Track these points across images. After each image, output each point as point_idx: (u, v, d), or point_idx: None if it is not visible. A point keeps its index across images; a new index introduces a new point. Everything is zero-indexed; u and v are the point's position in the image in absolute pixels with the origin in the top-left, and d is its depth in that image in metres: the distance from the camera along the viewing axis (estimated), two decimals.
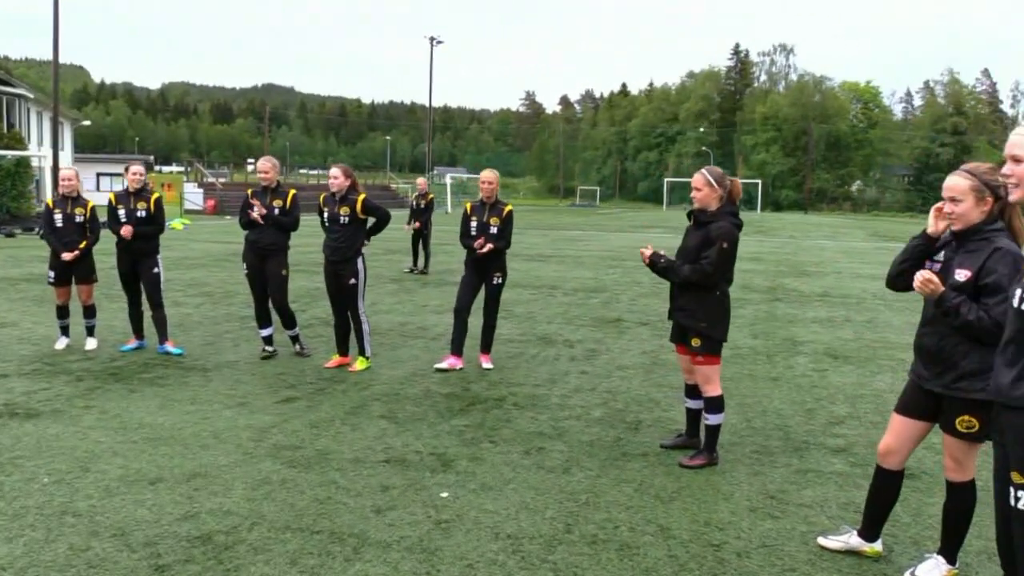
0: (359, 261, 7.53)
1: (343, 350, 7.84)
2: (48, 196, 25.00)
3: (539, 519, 4.36)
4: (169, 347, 8.21)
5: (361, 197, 7.53)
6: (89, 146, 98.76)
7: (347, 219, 7.44)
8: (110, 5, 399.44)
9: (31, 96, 35.88)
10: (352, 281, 7.50)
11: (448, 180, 54.90)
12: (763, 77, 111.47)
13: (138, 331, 8.44)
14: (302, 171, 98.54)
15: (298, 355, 8.19)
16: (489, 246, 7.49)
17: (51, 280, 8.23)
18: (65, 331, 8.51)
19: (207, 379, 7.23)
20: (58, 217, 8.08)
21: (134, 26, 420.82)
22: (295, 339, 8.25)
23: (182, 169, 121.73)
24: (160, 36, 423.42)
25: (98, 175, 55.25)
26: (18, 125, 33.87)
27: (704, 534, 4.23)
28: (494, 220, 7.64)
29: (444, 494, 4.67)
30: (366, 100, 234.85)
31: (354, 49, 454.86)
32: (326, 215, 7.53)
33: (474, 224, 7.73)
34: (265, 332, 8.14)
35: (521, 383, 7.28)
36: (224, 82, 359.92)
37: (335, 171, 7.51)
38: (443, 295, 12.81)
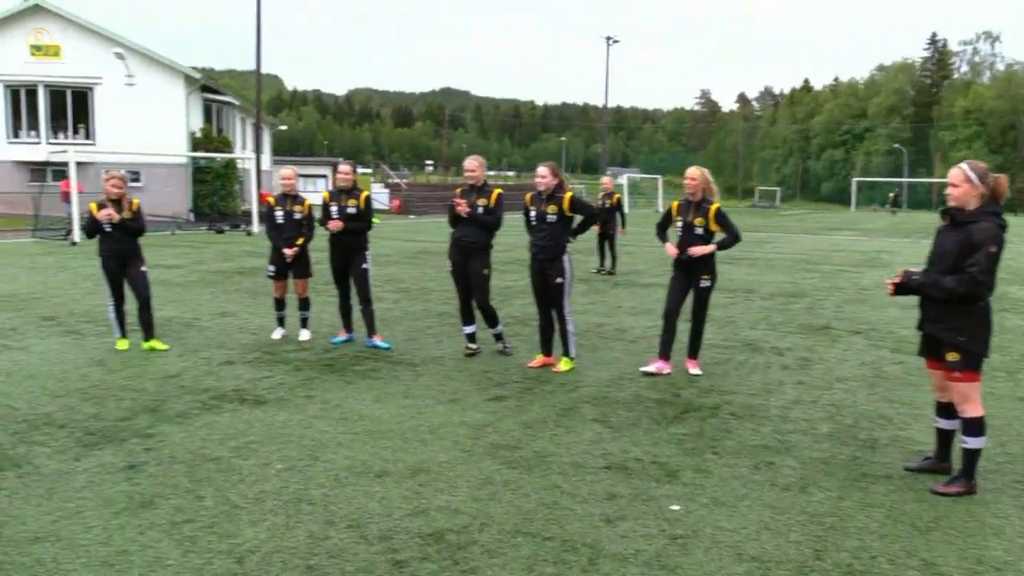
0: (566, 260, 7.41)
1: (547, 350, 7.75)
2: (254, 196, 26.77)
3: (783, 542, 4.03)
4: (377, 341, 8.43)
5: (568, 195, 7.41)
6: (284, 149, 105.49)
7: (555, 217, 7.34)
8: (300, 16, 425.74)
9: (236, 103, 38.65)
10: (559, 280, 7.39)
11: (624, 180, 54.30)
12: (964, 68, 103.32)
13: (347, 325, 8.73)
14: None
15: (501, 353, 8.18)
16: (707, 248, 7.20)
17: (270, 274, 8.65)
18: (281, 322, 8.94)
19: (416, 374, 7.34)
20: (279, 214, 8.49)
21: (322, 36, 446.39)
22: (498, 337, 8.26)
23: (368, 171, 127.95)
24: (346, 45, 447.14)
25: None
26: (226, 130, 36.56)
27: (979, 574, 3.76)
28: (699, 220, 7.31)
29: (675, 507, 4.43)
30: (539, 102, 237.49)
31: (527, 52, 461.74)
32: (533, 214, 7.46)
33: (679, 224, 7.43)
34: (468, 329, 8.19)
35: (734, 391, 6.91)
36: (404, 87, 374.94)
37: (543, 170, 7.42)
38: (634, 297, 12.54)
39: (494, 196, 7.89)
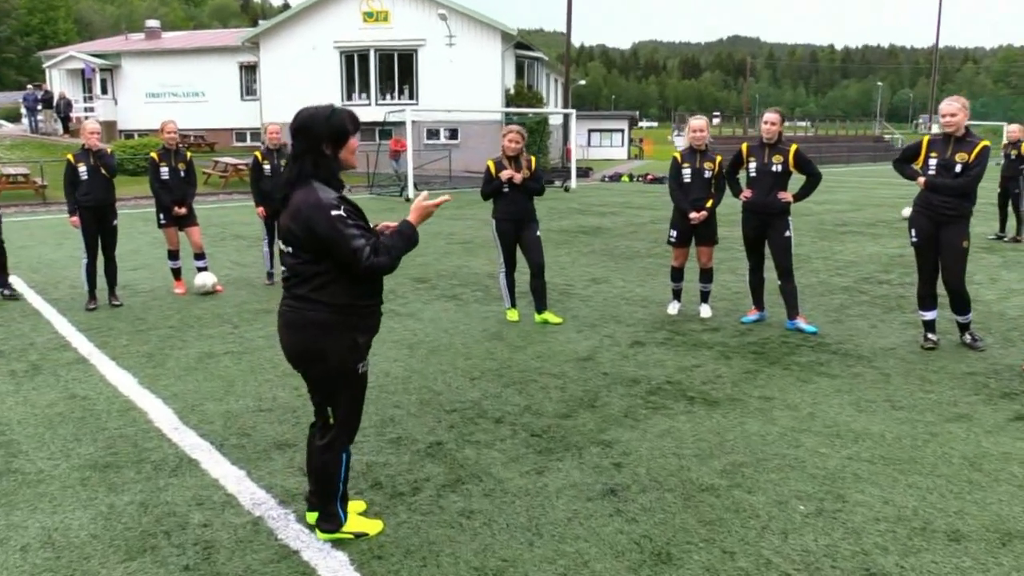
0: None
1: None
2: (573, 152, 26.22)
3: None
4: (801, 323, 7.03)
5: None
6: (573, 104, 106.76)
7: None
8: None
9: (546, 59, 38.54)
10: None
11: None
12: None
13: (759, 301, 7.43)
14: None
15: (968, 347, 6.46)
16: None
17: (672, 240, 7.52)
18: (677, 295, 7.82)
19: (878, 372, 5.84)
20: (686, 172, 7.29)
21: None
22: (965, 327, 6.53)
23: (654, 124, 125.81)
24: None
25: (589, 131, 58.39)
26: (535, 86, 36.58)
27: None
28: None
29: None
30: (839, 46, 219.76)
31: None
32: None
33: None
34: (928, 316, 6.54)
35: None
36: (690, 37, 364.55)
37: None
38: None
39: (977, 150, 6.11)
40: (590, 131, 59.00)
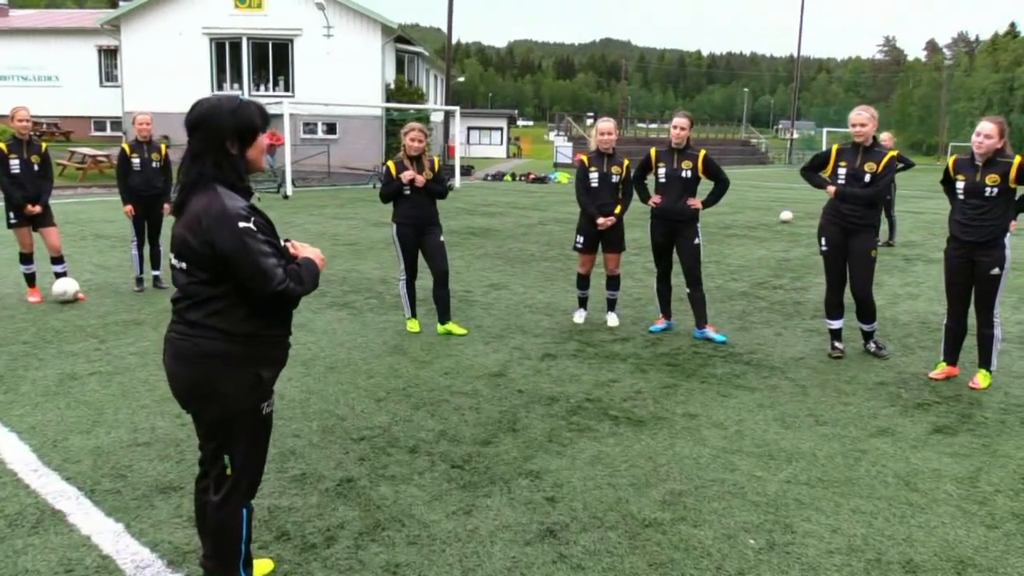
0: (1007, 244, 5.58)
1: (953, 358, 5.99)
2: (456, 150, 25.72)
3: None
4: (710, 332, 6.92)
5: (1019, 161, 5.50)
6: (451, 100, 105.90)
7: (995, 190, 5.50)
8: None
9: (427, 54, 37.94)
10: (995, 271, 5.58)
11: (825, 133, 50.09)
12: None
13: (666, 310, 7.27)
14: (640, 125, 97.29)
15: (873, 355, 6.50)
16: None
17: (579, 246, 7.25)
18: (583, 303, 7.58)
19: (795, 383, 5.75)
20: (594, 176, 7.04)
21: None
22: (869, 335, 6.56)
23: (530, 123, 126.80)
24: None
25: (469, 129, 58.04)
26: (416, 81, 35.94)
27: None
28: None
29: None
30: (705, 52, 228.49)
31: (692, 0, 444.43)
32: (961, 185, 5.64)
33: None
34: (835, 324, 6.53)
35: None
36: (564, 38, 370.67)
37: (989, 126, 5.50)
38: None
39: (885, 160, 6.13)
40: (469, 129, 58.68)
